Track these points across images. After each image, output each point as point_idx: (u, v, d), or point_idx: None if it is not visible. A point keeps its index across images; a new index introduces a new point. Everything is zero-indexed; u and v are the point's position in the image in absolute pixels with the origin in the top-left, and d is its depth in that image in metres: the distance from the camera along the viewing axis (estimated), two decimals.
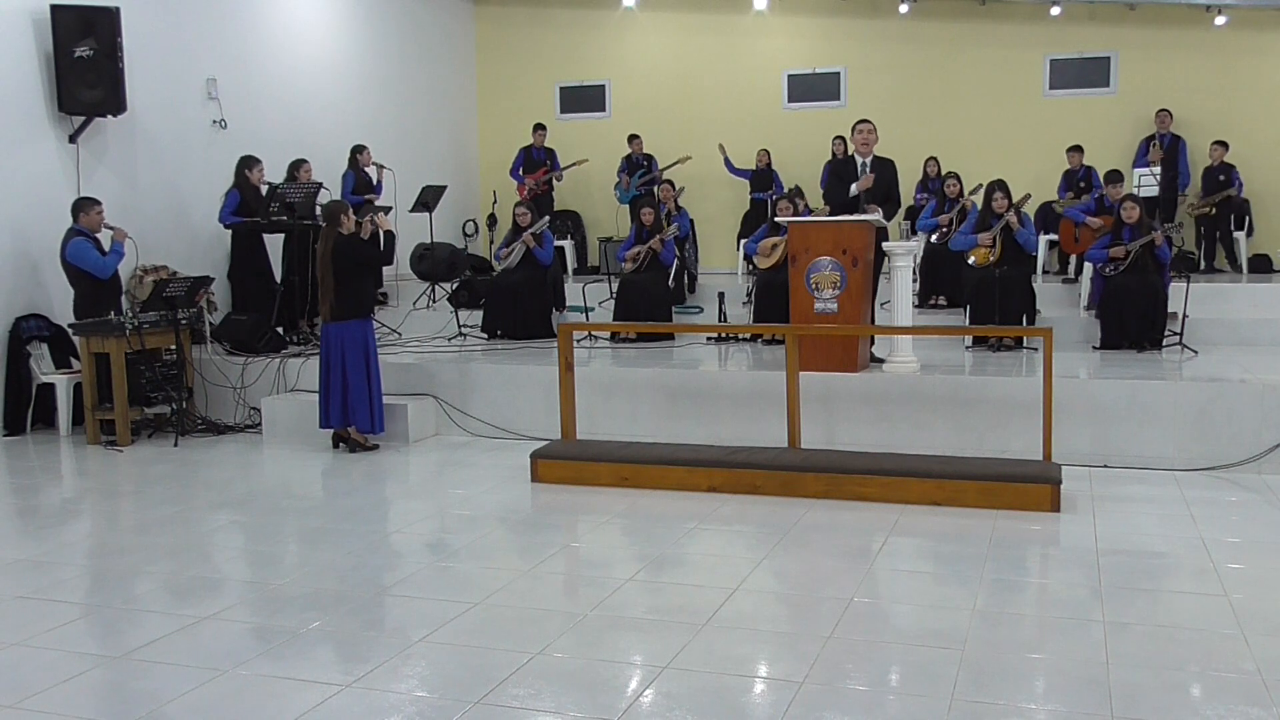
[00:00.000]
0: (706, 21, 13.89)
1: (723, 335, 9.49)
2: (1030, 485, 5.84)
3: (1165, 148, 11.68)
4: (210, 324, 9.39)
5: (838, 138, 11.13)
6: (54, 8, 8.53)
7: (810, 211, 9.62)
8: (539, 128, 13.08)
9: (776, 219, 9.11)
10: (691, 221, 11.77)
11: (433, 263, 11.27)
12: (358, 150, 11.29)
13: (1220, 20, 12.10)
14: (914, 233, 10.34)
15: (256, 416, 8.41)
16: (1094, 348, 8.57)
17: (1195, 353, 8.18)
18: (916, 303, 9.20)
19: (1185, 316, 8.46)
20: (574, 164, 13.02)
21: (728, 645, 4.00)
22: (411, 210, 11.33)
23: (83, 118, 8.83)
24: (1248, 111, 12.19)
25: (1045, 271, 11.37)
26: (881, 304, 8.73)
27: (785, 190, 11.74)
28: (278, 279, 9.90)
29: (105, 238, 8.29)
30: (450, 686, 3.66)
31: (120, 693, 3.68)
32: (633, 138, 13.17)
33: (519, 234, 9.78)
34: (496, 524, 5.79)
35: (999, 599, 4.51)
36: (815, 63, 13.59)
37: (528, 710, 3.47)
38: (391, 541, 5.48)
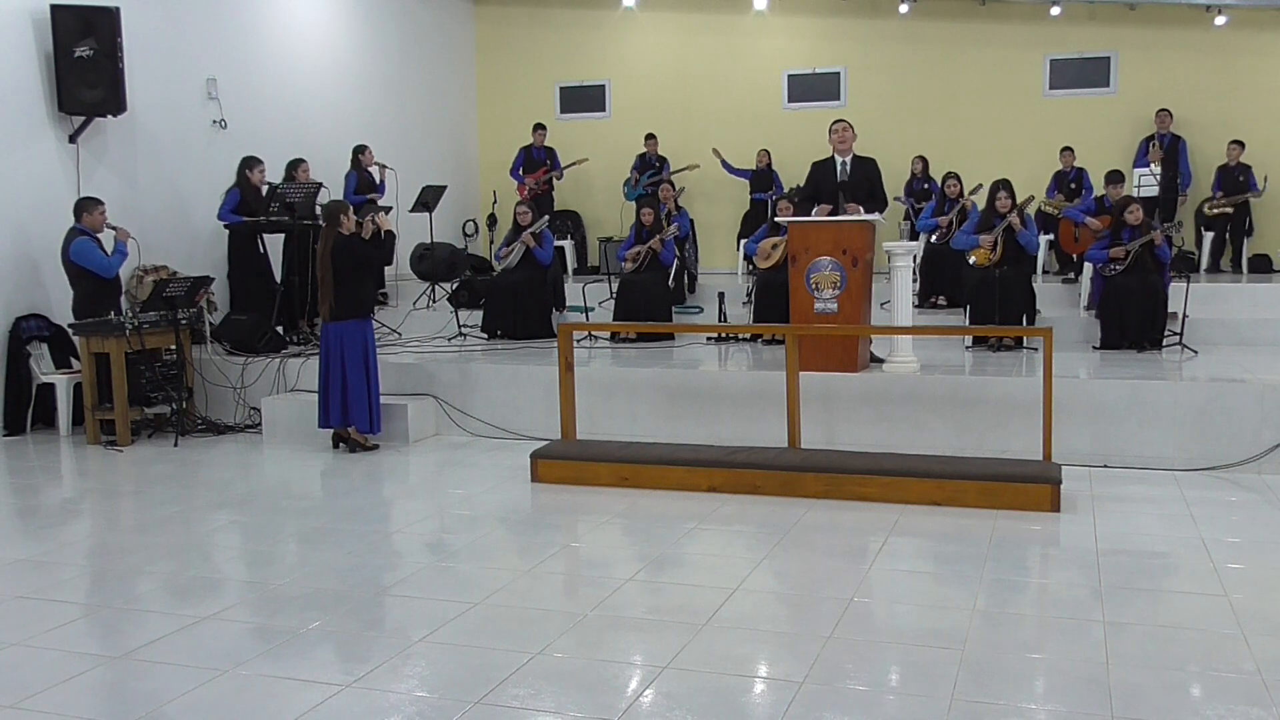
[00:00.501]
0: (706, 21, 13.89)
1: (723, 335, 9.49)
2: (1030, 485, 5.84)
3: (1165, 148, 11.67)
4: (210, 324, 9.39)
5: None
6: (54, 8, 8.53)
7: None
8: (539, 127, 13.08)
9: (776, 219, 9.12)
10: (691, 221, 11.78)
11: (433, 263, 11.27)
12: (360, 150, 11.29)
13: (1220, 20, 12.09)
14: (914, 233, 10.36)
15: (256, 416, 8.41)
16: (1094, 348, 8.57)
17: (1195, 353, 8.18)
18: (916, 303, 9.20)
19: (1185, 316, 8.46)
20: (575, 163, 13.02)
21: (728, 645, 4.00)
22: (411, 210, 11.34)
23: (83, 118, 8.83)
24: (1248, 112, 12.19)
25: (1045, 271, 11.37)
26: (881, 304, 8.73)
27: (785, 190, 11.76)
28: (278, 279, 9.90)
29: (107, 238, 8.30)
30: (450, 686, 3.66)
31: (120, 693, 3.68)
32: (649, 137, 13.17)
33: (519, 234, 9.79)
34: (496, 524, 5.79)
35: (999, 599, 4.51)
36: (815, 63, 13.59)
37: (528, 710, 3.47)
38: (391, 541, 5.48)
